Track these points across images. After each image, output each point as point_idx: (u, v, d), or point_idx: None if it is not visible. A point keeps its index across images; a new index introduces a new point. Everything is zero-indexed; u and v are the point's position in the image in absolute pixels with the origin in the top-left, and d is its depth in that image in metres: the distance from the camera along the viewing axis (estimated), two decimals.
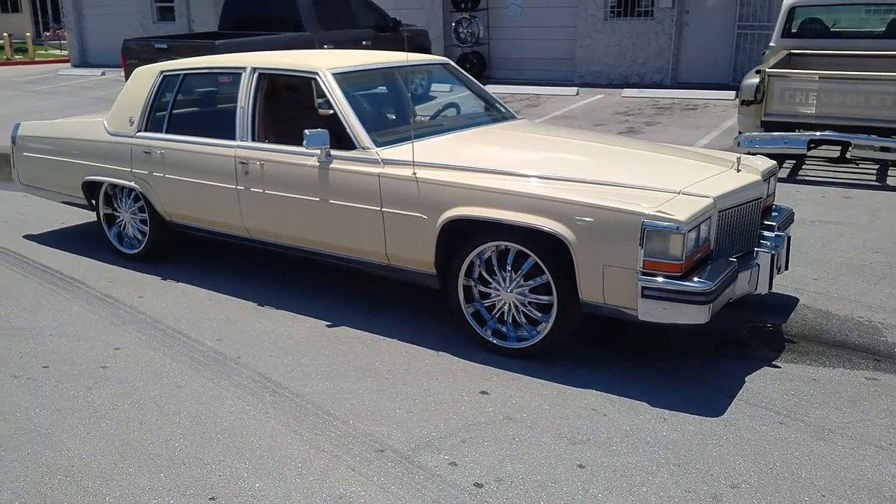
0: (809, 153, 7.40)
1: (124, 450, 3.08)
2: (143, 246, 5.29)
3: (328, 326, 4.20)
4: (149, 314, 4.44)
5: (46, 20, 35.44)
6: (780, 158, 6.98)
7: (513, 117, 4.98)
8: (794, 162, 7.85)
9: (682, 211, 3.30)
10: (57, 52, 26.41)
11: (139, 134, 5.03)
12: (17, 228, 6.14)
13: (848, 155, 7.42)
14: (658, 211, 3.28)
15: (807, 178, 7.32)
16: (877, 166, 7.67)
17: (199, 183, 4.73)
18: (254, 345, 4.00)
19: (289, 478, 2.87)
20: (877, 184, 7.12)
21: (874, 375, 3.58)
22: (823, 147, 7.67)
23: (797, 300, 4.45)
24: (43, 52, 26.74)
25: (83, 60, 21.40)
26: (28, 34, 25.27)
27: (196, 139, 4.77)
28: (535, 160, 4.03)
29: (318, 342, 4.02)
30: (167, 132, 4.93)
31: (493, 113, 5.01)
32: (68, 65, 21.40)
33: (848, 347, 3.88)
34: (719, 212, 3.54)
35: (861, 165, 7.72)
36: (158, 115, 5.02)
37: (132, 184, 5.09)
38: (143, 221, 5.26)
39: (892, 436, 3.08)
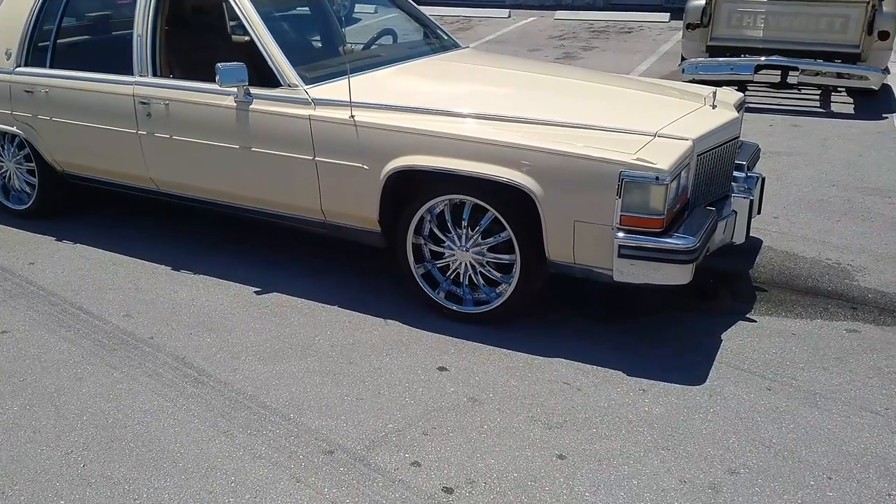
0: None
1: (13, 469, 2.53)
2: (32, 201, 4.64)
3: (257, 293, 3.68)
4: (42, 285, 3.80)
5: None
6: (723, 85, 6.68)
7: (456, 46, 4.43)
8: (737, 88, 7.57)
9: (663, 158, 2.89)
10: None
11: (18, 69, 4.38)
12: None
13: (790, 80, 7.18)
14: (638, 159, 2.86)
15: (750, 104, 7.05)
16: (819, 92, 7.49)
17: (92, 127, 4.10)
18: (169, 320, 3.45)
19: (219, 497, 2.39)
20: (822, 110, 6.94)
21: (854, 327, 3.36)
22: (763, 72, 7.41)
23: (761, 242, 4.19)
24: None
25: None
26: None
27: (86, 75, 4.13)
28: (492, 99, 3.52)
29: (246, 314, 3.50)
30: (52, 67, 4.30)
31: (434, 42, 4.44)
32: None
33: (821, 294, 3.64)
34: (698, 155, 3.16)
35: (804, 91, 7.52)
36: (41, 47, 4.37)
37: (14, 129, 4.46)
38: (30, 172, 4.59)
39: (886, 399, 2.85)
